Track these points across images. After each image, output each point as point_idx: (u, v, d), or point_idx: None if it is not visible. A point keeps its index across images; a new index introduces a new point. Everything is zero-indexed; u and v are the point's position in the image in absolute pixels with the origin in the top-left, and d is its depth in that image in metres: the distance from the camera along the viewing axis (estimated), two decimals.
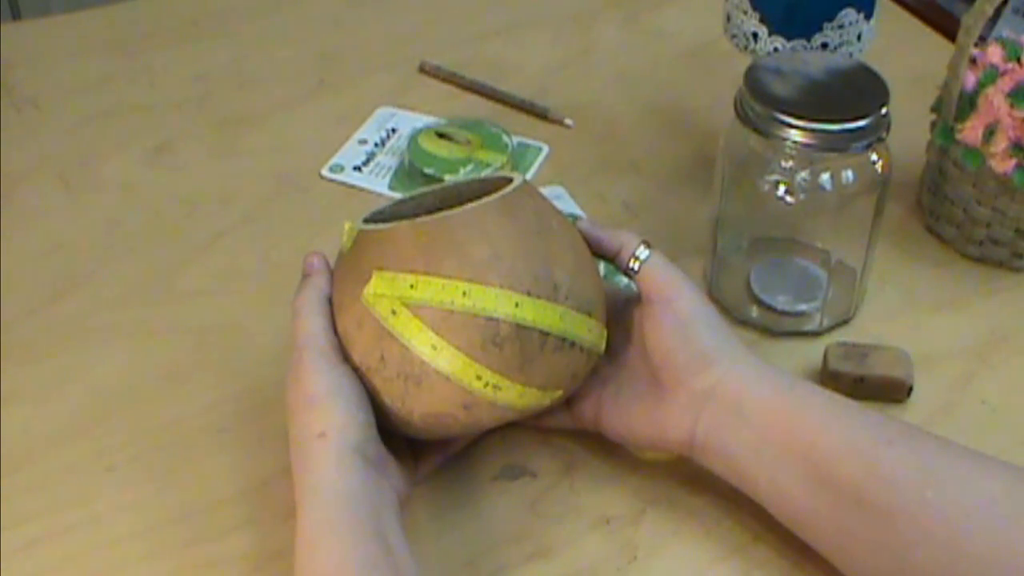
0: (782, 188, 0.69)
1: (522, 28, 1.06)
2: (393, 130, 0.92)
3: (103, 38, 1.04)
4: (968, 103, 0.75)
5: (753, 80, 0.69)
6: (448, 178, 0.84)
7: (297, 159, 0.89)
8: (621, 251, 0.63)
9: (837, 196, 0.70)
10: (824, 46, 0.78)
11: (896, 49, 0.88)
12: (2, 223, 0.82)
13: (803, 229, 0.77)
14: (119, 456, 0.66)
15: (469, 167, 0.85)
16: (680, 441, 0.60)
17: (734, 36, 0.81)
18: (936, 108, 0.78)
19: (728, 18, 0.81)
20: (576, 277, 0.58)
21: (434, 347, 0.56)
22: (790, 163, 0.69)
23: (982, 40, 0.75)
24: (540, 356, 0.57)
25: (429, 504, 0.63)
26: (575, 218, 0.64)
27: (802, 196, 0.69)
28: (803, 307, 0.75)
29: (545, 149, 0.90)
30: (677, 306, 0.61)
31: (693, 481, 0.64)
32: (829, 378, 0.69)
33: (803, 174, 0.69)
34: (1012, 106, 0.72)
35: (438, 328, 0.56)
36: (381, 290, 0.57)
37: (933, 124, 0.79)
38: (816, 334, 0.74)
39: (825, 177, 0.69)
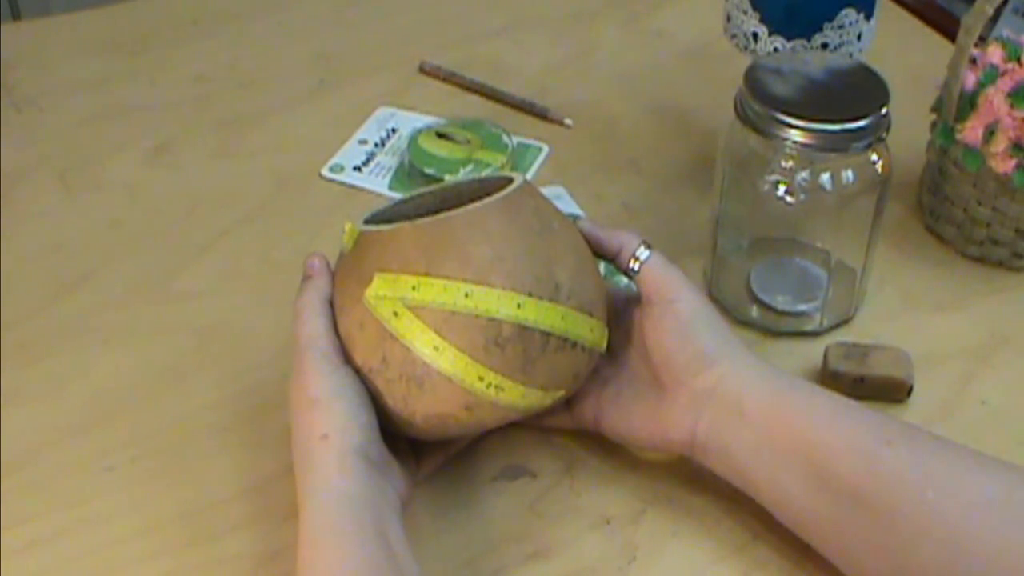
0: (782, 188, 0.69)
1: (522, 28, 1.06)
2: (393, 130, 0.92)
3: (103, 38, 1.04)
4: (968, 103, 0.75)
5: (753, 80, 0.69)
6: (448, 178, 0.84)
7: (297, 159, 0.89)
8: (621, 251, 0.63)
9: (837, 196, 0.70)
10: (824, 46, 0.78)
11: (896, 49, 0.89)
12: (2, 223, 0.82)
13: (803, 229, 0.77)
14: (119, 456, 0.66)
15: (469, 167, 0.85)
16: (681, 441, 0.60)
17: (734, 36, 0.81)
18: (936, 108, 0.78)
19: (728, 18, 0.81)
20: (577, 277, 0.58)
21: (436, 348, 0.56)
22: (790, 163, 0.69)
23: (982, 40, 0.75)
24: (542, 356, 0.57)
25: (429, 504, 0.63)
26: (575, 218, 0.64)
27: (802, 196, 0.69)
28: (803, 307, 0.75)
29: (545, 149, 0.90)
30: (677, 307, 0.61)
31: (693, 481, 0.64)
32: (829, 378, 0.69)
33: (803, 174, 0.69)
34: (1012, 106, 0.72)
35: (440, 329, 0.56)
36: (383, 291, 0.57)
37: (933, 124, 0.79)
38: (816, 334, 0.74)
39: (825, 177, 0.69)
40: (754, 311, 0.75)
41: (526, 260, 0.57)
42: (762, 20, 0.78)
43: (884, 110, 0.67)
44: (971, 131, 0.74)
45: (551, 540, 0.62)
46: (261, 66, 1.01)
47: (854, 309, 0.75)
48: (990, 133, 0.73)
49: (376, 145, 0.91)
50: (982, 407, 0.69)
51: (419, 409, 0.57)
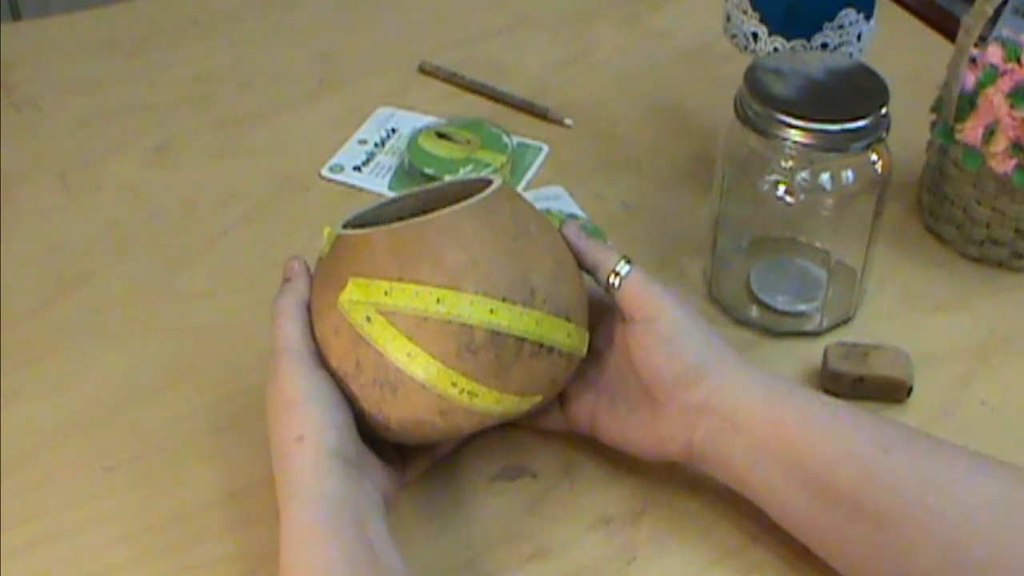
0: (782, 188, 0.69)
1: (522, 28, 1.06)
2: (393, 130, 0.92)
3: (103, 38, 1.04)
4: (968, 103, 0.75)
5: (753, 80, 0.69)
6: (448, 178, 0.84)
7: (297, 159, 0.89)
8: (599, 267, 0.61)
9: (837, 196, 0.70)
10: (824, 46, 0.78)
11: (896, 49, 0.88)
12: (2, 223, 0.82)
13: (803, 229, 0.77)
14: (119, 456, 0.66)
15: (469, 167, 0.85)
16: (677, 452, 0.60)
17: (734, 36, 0.81)
18: (936, 108, 0.78)
19: (728, 18, 0.81)
20: (554, 281, 0.58)
21: (409, 354, 0.55)
22: (790, 163, 0.69)
23: (982, 40, 0.75)
24: (517, 362, 0.56)
25: (428, 504, 0.63)
26: (567, 220, 0.64)
27: (802, 196, 0.69)
28: (803, 307, 0.75)
29: (545, 149, 0.90)
30: (659, 324, 0.60)
31: (692, 483, 0.64)
32: (829, 378, 0.68)
33: (803, 174, 0.69)
34: (1012, 106, 0.72)
35: (413, 335, 0.55)
36: (356, 296, 0.56)
37: (933, 124, 0.79)
38: (816, 334, 0.74)
39: (825, 177, 0.69)
40: (754, 311, 0.75)
41: (500, 265, 0.56)
42: (762, 20, 0.78)
43: (884, 110, 0.67)
44: (971, 131, 0.74)
45: (551, 540, 0.62)
46: (261, 66, 1.01)
47: (854, 309, 0.75)
48: (990, 133, 0.73)
49: (376, 145, 0.91)
50: (982, 407, 0.69)
51: (393, 414, 0.57)
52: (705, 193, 0.81)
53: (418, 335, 0.55)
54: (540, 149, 0.90)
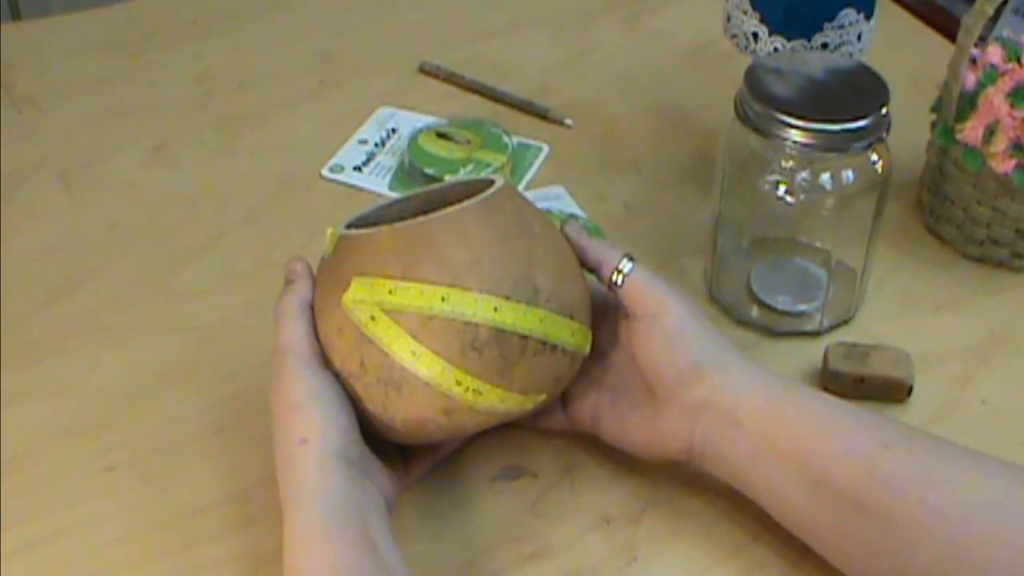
0: (782, 188, 0.69)
1: (522, 28, 1.06)
2: (393, 130, 0.92)
3: (103, 38, 1.04)
4: (968, 103, 0.75)
5: (753, 80, 0.69)
6: (448, 178, 0.84)
7: (297, 159, 0.89)
8: (602, 265, 0.62)
9: (837, 196, 0.70)
10: (824, 46, 0.78)
11: (896, 49, 0.88)
12: (2, 223, 0.82)
13: (803, 229, 0.77)
14: (119, 456, 0.66)
15: (469, 167, 0.85)
16: (678, 450, 0.60)
17: (734, 36, 0.81)
18: (936, 108, 0.78)
19: (728, 18, 0.81)
20: (558, 280, 0.58)
21: (413, 353, 0.55)
22: (790, 163, 0.69)
23: (982, 40, 0.75)
24: (521, 360, 0.56)
25: (429, 504, 0.63)
26: (569, 219, 0.64)
27: (802, 196, 0.69)
28: (803, 307, 0.75)
29: (545, 149, 0.90)
30: (663, 321, 0.60)
31: (693, 481, 0.64)
32: (829, 378, 0.69)
33: (803, 174, 0.69)
34: (1012, 106, 0.72)
35: (417, 334, 0.55)
36: (360, 296, 0.56)
37: (933, 124, 0.79)
38: (816, 334, 0.74)
39: (825, 177, 0.69)
40: (754, 311, 0.75)
41: (504, 263, 0.56)
42: (762, 20, 0.78)
43: (884, 110, 0.67)
44: (971, 131, 0.74)
45: (551, 540, 0.62)
46: (261, 66, 1.01)
47: (854, 309, 0.75)
48: (990, 133, 0.73)
49: (376, 145, 0.91)
50: (982, 407, 0.69)
51: (398, 413, 0.57)
52: (705, 193, 0.81)
53: (423, 333, 0.55)
54: (540, 149, 0.90)
